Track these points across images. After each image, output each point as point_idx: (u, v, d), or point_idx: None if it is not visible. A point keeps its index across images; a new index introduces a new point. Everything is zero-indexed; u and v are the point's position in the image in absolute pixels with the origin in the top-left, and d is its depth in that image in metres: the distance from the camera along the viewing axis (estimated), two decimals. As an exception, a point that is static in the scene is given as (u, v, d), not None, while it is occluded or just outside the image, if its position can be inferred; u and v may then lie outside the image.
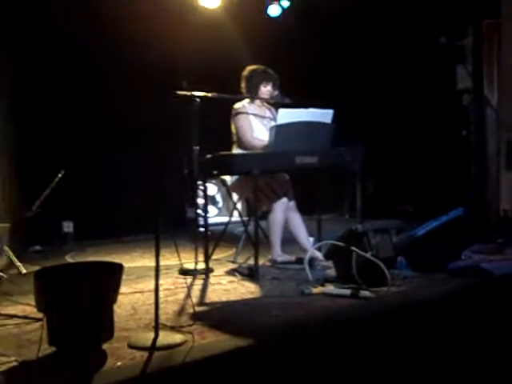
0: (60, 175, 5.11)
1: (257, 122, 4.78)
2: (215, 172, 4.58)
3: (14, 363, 2.61)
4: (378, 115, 7.30)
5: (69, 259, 5.12)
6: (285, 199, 4.65)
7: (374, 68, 7.26)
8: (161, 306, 3.06)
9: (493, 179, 5.87)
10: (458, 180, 5.96)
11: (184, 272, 4.29)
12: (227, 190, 5.09)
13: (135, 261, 5.08)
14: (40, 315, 2.76)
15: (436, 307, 3.60)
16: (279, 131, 4.29)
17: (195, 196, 4.99)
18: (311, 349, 2.97)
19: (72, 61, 5.82)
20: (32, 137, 5.62)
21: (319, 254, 4.46)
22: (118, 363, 2.58)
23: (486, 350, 3.49)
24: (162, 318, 3.10)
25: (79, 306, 2.62)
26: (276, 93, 4.79)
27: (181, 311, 3.42)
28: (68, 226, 5.78)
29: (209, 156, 4.44)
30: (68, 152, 5.69)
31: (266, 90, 4.79)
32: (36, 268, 2.90)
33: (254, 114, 4.80)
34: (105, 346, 2.74)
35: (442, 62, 6.16)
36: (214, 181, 6.89)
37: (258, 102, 4.87)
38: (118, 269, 2.82)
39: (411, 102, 7.07)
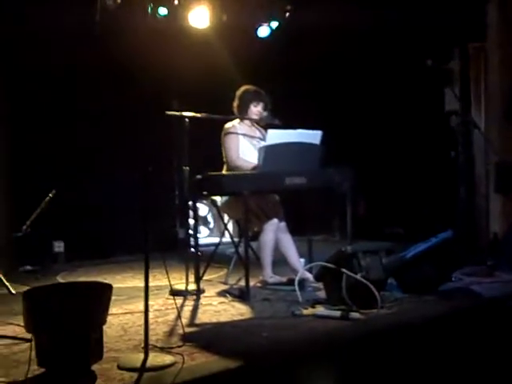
0: (51, 195, 5.10)
1: (246, 142, 4.82)
2: (205, 192, 4.61)
3: (3, 384, 2.60)
4: (367, 137, 7.35)
5: (59, 279, 5.11)
6: (275, 220, 4.67)
7: (363, 90, 7.32)
8: (151, 326, 3.07)
9: (482, 201, 5.90)
10: (447, 202, 5.99)
11: (175, 293, 4.27)
12: (218, 211, 5.11)
13: (126, 281, 5.07)
14: (29, 336, 2.76)
15: (426, 329, 3.61)
16: (268, 152, 4.32)
17: (186, 216, 4.99)
18: (301, 370, 2.97)
19: (65, 82, 5.85)
20: (23, 156, 5.63)
21: (310, 276, 4.46)
22: (107, 384, 2.58)
23: (475, 372, 3.50)
24: (152, 339, 3.10)
25: (68, 326, 2.62)
26: (265, 113, 4.83)
27: (171, 332, 3.42)
28: (59, 246, 5.77)
29: (199, 176, 4.46)
30: (59, 171, 5.69)
31: (256, 110, 4.83)
32: (26, 288, 2.89)
33: (244, 134, 4.83)
34: (94, 367, 2.74)
35: (430, 84, 6.22)
36: (205, 201, 6.90)
37: (248, 121, 4.91)
38: (107, 289, 2.82)
39: (400, 123, 7.12)
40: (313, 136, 4.55)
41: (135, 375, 2.67)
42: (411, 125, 6.98)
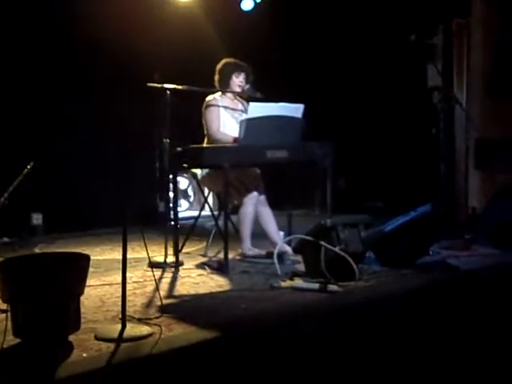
0: (29, 167, 5.05)
1: (227, 115, 4.79)
2: (185, 165, 4.58)
3: (-22, 354, 2.58)
4: (348, 112, 7.34)
5: (37, 251, 5.07)
6: (255, 193, 4.66)
7: (346, 65, 7.29)
8: (129, 298, 3.06)
9: (461, 177, 5.93)
10: (427, 177, 6.02)
11: (153, 265, 4.26)
12: (198, 184, 5.09)
13: (105, 253, 5.05)
14: (5, 306, 2.74)
15: (404, 302, 3.64)
16: (249, 125, 4.29)
17: (166, 189, 4.97)
18: (278, 342, 2.99)
19: (41, 52, 5.76)
20: None
21: (289, 249, 4.47)
22: (84, 354, 2.57)
23: (451, 344, 3.54)
24: (130, 311, 3.10)
25: (44, 296, 2.60)
26: (248, 86, 4.80)
27: (149, 304, 3.41)
28: (37, 218, 5.73)
29: (179, 149, 4.43)
30: (37, 143, 5.62)
31: (238, 80, 4.80)
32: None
33: (225, 107, 4.80)
34: (71, 338, 2.73)
35: (413, 59, 6.21)
36: (185, 174, 6.87)
37: (230, 95, 4.87)
38: (84, 260, 2.80)
39: (382, 99, 7.12)
40: (295, 109, 4.53)
41: (112, 346, 2.66)
42: (393, 100, 6.98)
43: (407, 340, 3.41)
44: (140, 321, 3.03)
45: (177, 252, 4.49)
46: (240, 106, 4.92)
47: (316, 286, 3.65)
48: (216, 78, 4.87)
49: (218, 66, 4.87)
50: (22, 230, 5.50)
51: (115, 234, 5.55)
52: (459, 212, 5.83)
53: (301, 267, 4.14)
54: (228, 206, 4.47)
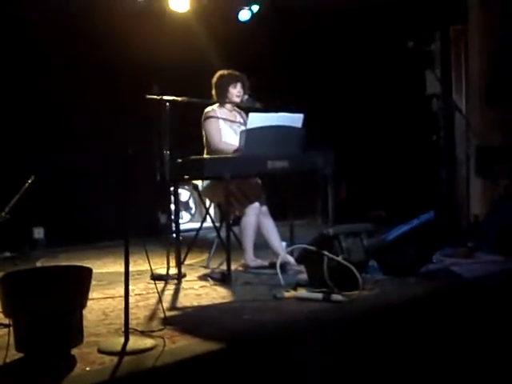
0: (30, 181, 5.05)
1: (226, 127, 4.79)
2: (186, 177, 4.58)
3: (-19, 370, 2.57)
4: (348, 120, 7.35)
5: (39, 265, 5.06)
6: (257, 204, 4.65)
7: (344, 73, 7.31)
8: (132, 311, 3.05)
9: (463, 184, 5.93)
10: (428, 185, 6.01)
11: (156, 277, 4.24)
12: (199, 196, 5.08)
13: (107, 266, 5.04)
14: (8, 321, 2.72)
15: (407, 310, 3.62)
16: (249, 135, 4.29)
17: (167, 202, 4.96)
18: (282, 353, 2.97)
19: (43, 64, 5.77)
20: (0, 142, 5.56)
21: (291, 259, 4.46)
22: (87, 368, 2.55)
23: (455, 352, 3.52)
24: (133, 323, 3.08)
25: (47, 310, 2.59)
26: (246, 96, 4.80)
27: (152, 316, 3.40)
28: (38, 232, 5.72)
29: (179, 160, 4.42)
30: (38, 157, 5.62)
31: (235, 91, 4.79)
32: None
33: (224, 119, 4.80)
34: (74, 351, 2.71)
35: (411, 67, 6.21)
36: (187, 186, 6.87)
37: (228, 106, 4.87)
38: (86, 273, 2.79)
39: (381, 106, 7.12)
40: (295, 119, 4.53)
41: (115, 359, 2.64)
42: (393, 108, 6.99)
43: (412, 348, 3.39)
44: (143, 333, 3.01)
45: (179, 264, 4.47)
46: (238, 118, 4.92)
47: (319, 295, 3.63)
48: (213, 92, 4.86)
49: (214, 80, 4.85)
50: (24, 244, 5.49)
51: (117, 246, 5.52)
52: (461, 219, 5.82)
53: (304, 277, 4.11)
54: (229, 216, 4.46)
